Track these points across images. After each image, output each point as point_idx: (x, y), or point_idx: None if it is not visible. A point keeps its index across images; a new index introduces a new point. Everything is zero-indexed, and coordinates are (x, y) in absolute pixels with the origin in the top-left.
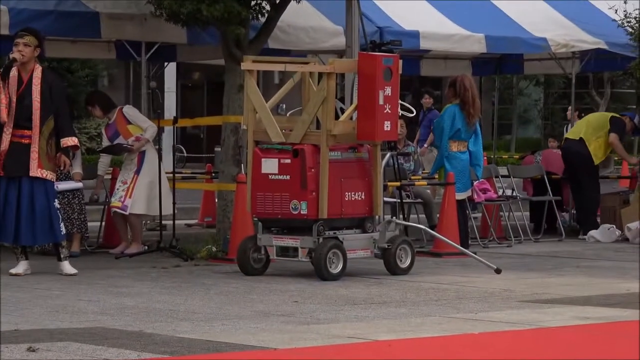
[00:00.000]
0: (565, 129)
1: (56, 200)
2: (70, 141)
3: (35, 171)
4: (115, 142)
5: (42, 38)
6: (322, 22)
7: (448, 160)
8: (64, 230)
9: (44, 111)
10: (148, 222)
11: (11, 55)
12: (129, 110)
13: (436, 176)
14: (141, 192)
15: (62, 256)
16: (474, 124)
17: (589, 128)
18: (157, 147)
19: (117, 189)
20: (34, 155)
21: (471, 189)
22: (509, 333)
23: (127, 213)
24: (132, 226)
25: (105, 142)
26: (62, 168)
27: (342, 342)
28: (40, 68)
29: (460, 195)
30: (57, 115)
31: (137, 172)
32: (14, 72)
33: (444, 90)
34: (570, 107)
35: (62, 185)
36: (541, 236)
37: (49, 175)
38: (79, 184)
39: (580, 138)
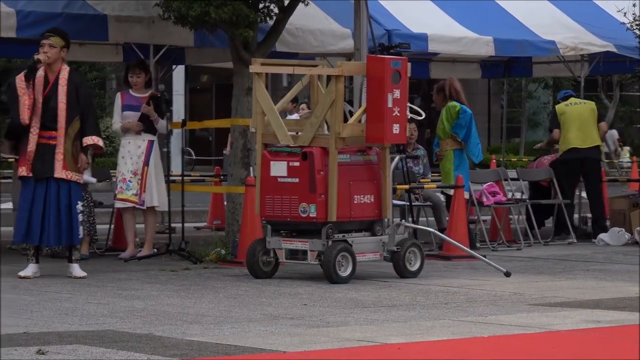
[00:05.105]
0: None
1: (79, 202)
2: (90, 140)
3: (59, 172)
4: (127, 120)
5: (69, 39)
6: (331, 24)
7: (462, 160)
8: (82, 234)
9: (70, 112)
10: (157, 224)
11: (35, 57)
12: (156, 100)
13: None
14: (152, 184)
15: (73, 258)
16: None
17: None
18: (165, 149)
19: (129, 181)
20: (59, 157)
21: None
22: (518, 336)
23: (144, 208)
24: (149, 223)
25: (118, 110)
26: (78, 165)
27: (351, 345)
28: (67, 69)
29: (467, 195)
30: (82, 116)
31: (147, 163)
32: (40, 73)
33: None
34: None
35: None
36: (551, 239)
37: (73, 176)
38: (93, 179)
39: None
